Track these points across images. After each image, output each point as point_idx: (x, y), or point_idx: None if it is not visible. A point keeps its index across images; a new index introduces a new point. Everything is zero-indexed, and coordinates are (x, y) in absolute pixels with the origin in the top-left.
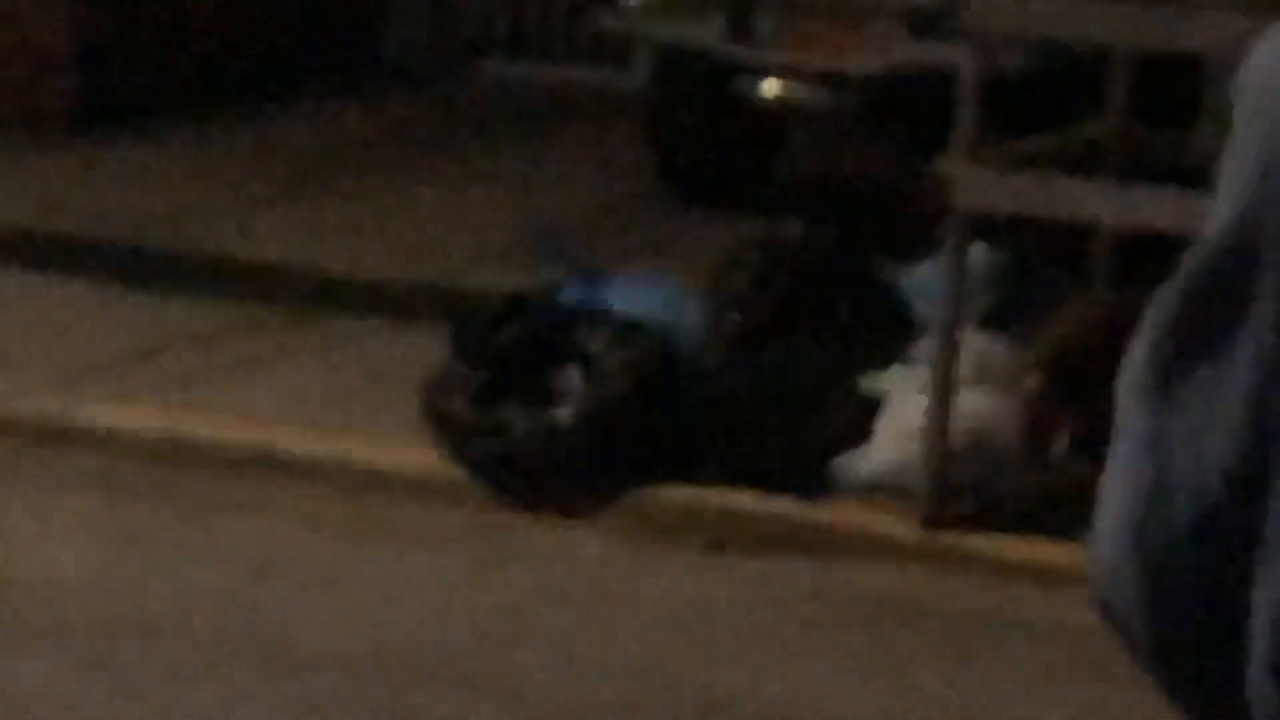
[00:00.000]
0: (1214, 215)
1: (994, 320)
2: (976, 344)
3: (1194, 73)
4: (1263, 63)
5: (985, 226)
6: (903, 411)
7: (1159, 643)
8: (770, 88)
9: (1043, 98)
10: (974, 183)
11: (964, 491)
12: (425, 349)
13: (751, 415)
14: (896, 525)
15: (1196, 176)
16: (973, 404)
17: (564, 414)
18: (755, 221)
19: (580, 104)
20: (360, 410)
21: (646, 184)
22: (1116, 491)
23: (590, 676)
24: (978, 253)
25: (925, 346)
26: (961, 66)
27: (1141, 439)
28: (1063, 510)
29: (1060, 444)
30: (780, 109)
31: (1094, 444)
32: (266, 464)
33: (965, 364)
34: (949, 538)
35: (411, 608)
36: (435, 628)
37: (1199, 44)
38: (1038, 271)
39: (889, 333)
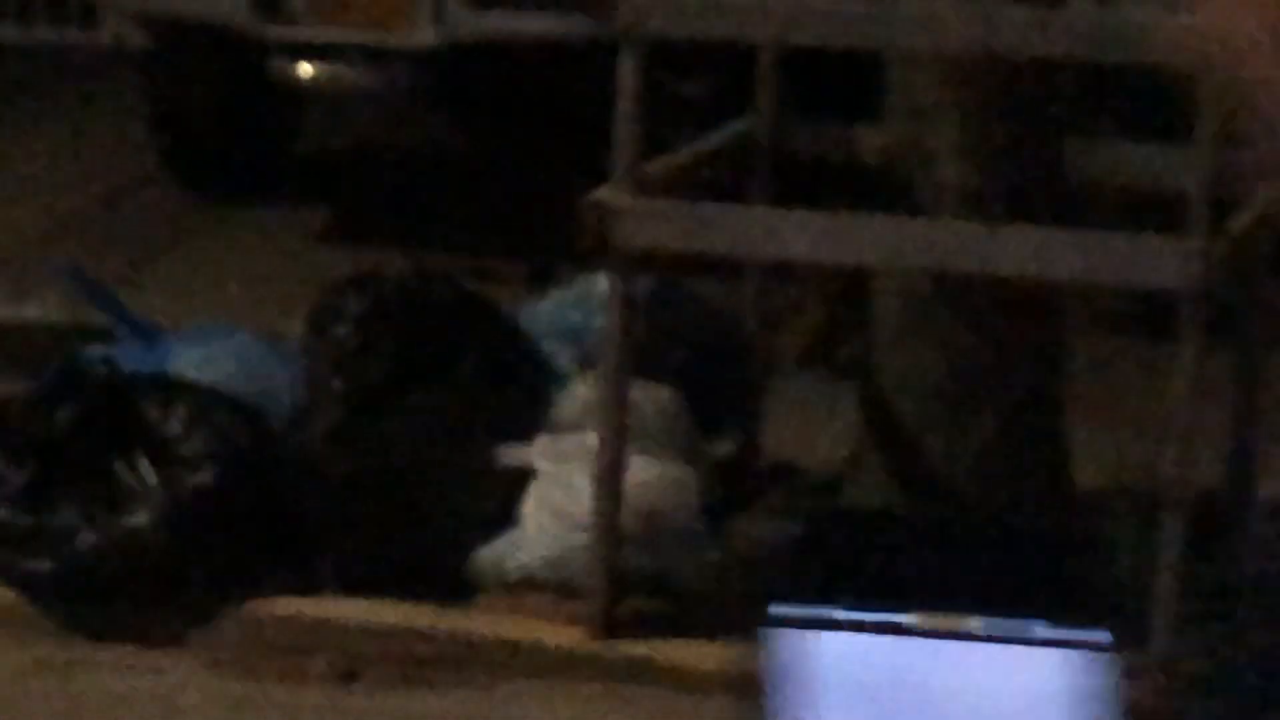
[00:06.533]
0: None
1: (645, 365)
2: (638, 396)
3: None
4: None
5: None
6: (555, 488)
7: None
8: (305, 69)
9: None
10: (641, 217)
11: (641, 584)
12: None
13: (370, 503)
14: (563, 634)
15: (868, 178)
16: (642, 473)
17: (138, 516)
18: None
19: (43, 69)
20: None
21: (146, 171)
22: None
23: None
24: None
25: (569, 405)
26: (621, 73)
27: None
28: (745, 593)
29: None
30: (316, 91)
31: None
32: None
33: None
34: (629, 646)
35: None
36: None
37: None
38: (684, 295)
39: (526, 390)
